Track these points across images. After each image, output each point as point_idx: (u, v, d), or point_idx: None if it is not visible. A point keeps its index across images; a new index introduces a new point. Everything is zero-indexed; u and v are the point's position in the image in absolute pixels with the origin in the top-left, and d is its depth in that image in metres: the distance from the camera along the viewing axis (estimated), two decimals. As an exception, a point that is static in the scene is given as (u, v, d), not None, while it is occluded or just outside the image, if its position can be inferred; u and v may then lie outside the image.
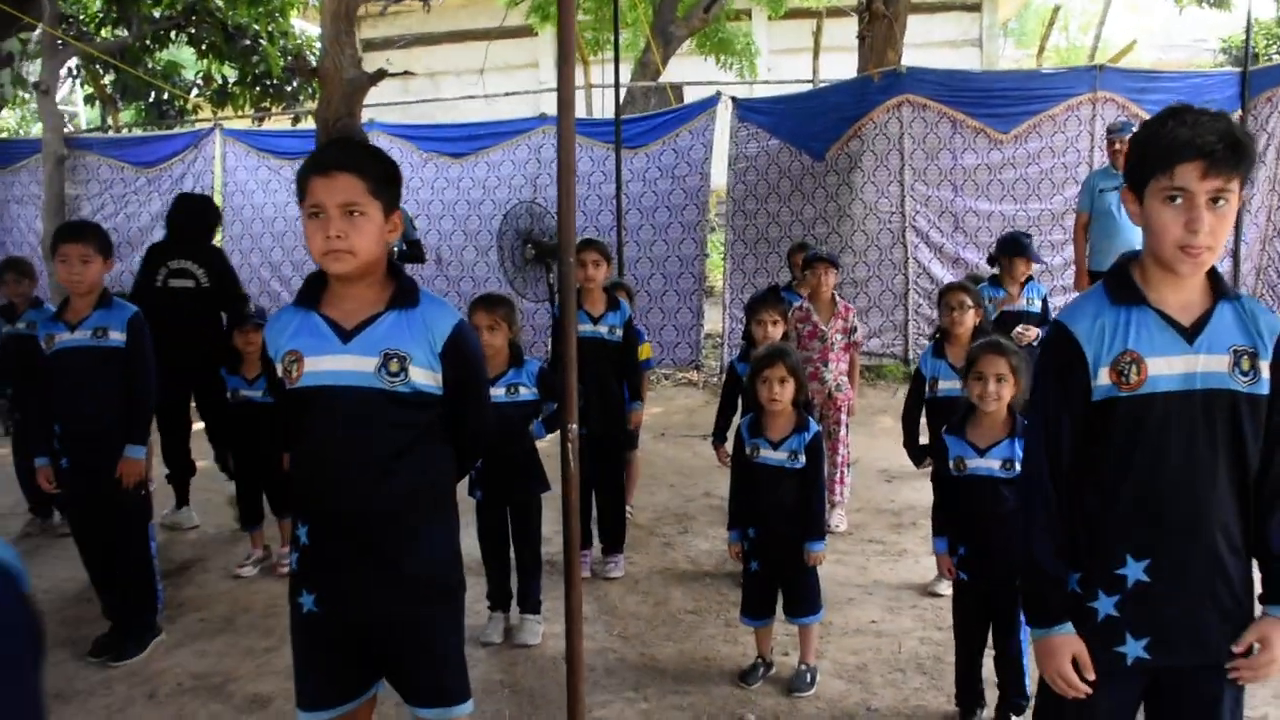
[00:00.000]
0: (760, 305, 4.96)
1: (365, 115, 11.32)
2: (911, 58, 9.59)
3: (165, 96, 13.38)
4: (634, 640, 4.47)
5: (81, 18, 12.64)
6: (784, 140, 9.19)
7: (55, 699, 3.92)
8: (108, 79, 13.14)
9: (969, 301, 4.75)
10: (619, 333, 5.20)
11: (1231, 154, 1.96)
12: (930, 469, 3.87)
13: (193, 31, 12.36)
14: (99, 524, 4.37)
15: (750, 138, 9.31)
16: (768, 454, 3.87)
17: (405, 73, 9.20)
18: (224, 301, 6.04)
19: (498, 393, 4.34)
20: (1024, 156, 8.84)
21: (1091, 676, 2.11)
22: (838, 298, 5.78)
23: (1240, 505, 2.07)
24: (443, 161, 10.43)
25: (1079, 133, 8.74)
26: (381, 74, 8.61)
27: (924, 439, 4.73)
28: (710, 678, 4.09)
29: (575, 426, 2.88)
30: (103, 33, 12.45)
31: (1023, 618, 3.50)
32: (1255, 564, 2.13)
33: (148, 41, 12.31)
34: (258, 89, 13.02)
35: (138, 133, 13.00)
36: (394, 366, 2.39)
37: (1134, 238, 7.38)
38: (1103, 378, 2.08)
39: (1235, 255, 8.81)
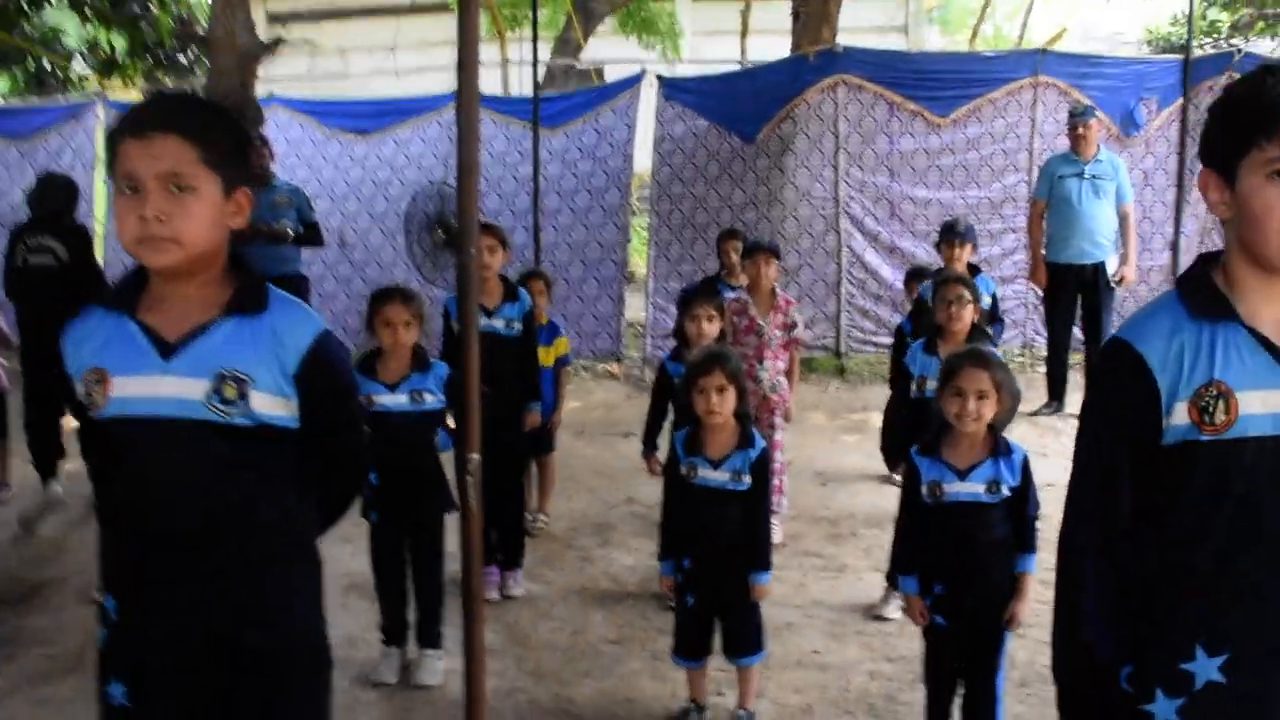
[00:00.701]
0: (695, 299, 4.44)
1: (265, 89, 10.60)
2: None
3: (47, 64, 12.42)
4: (548, 678, 3.96)
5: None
6: (712, 121, 8.70)
7: None
8: (-21, 43, 12.17)
9: (967, 295, 4.28)
10: (517, 326, 4.69)
11: None
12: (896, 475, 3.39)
13: (75, -8, 11.49)
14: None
15: (676, 118, 8.80)
16: (707, 474, 3.35)
17: (306, 42, 8.57)
18: (81, 281, 5.54)
19: (400, 400, 3.89)
20: (963, 142, 8.47)
21: None
22: (778, 290, 5.32)
23: None
24: (348, 139, 9.73)
25: (1019, 118, 8.40)
26: (279, 43, 7.97)
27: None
28: (635, 724, 3.59)
29: (476, 456, 2.36)
30: (-27, -8, 11.50)
31: (1003, 656, 3.12)
32: None
33: (24, 3, 11.35)
34: (149, 59, 12.16)
35: (16, 103, 12.05)
36: (230, 392, 1.83)
37: (1096, 226, 7.08)
38: (1179, 415, 1.60)
39: (1174, 248, 8.56)
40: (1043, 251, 7.29)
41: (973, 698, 3.14)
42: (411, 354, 3.95)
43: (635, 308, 9.31)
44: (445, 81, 10.68)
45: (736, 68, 11.17)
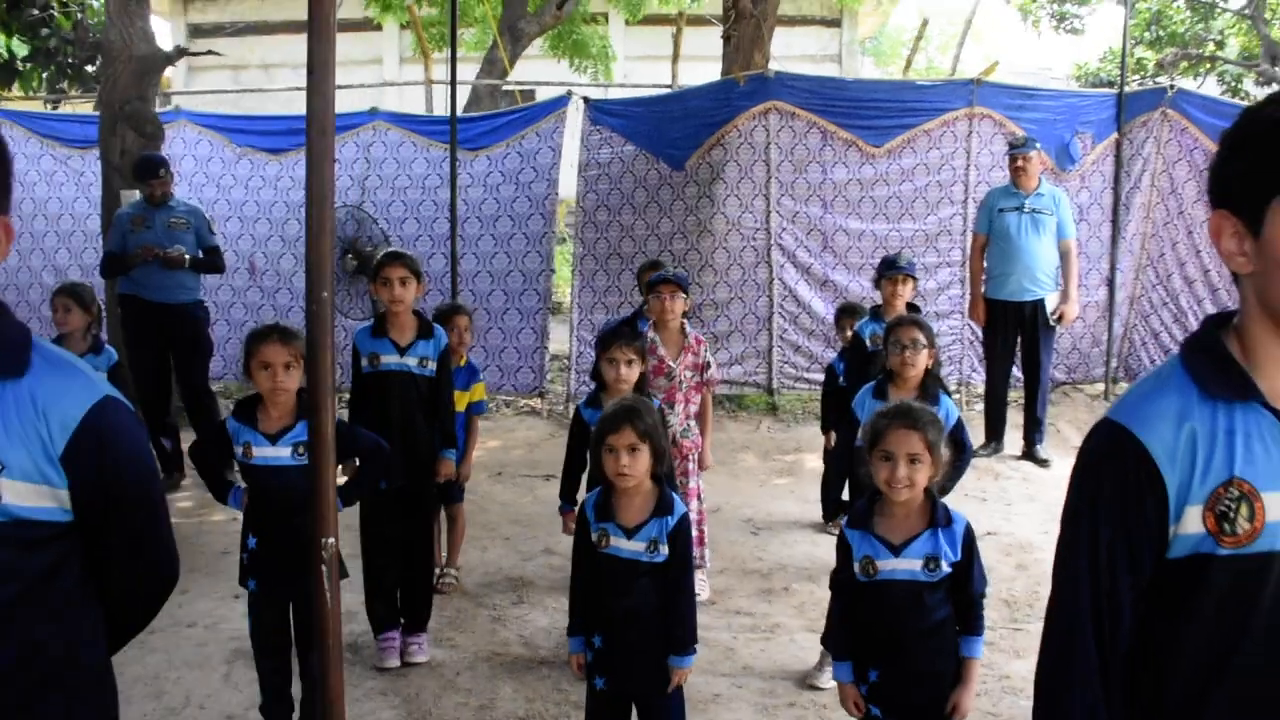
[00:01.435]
0: (612, 340, 4.01)
1: (172, 101, 10.05)
2: (770, 71, 8.89)
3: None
4: (449, 764, 3.55)
5: None
6: (640, 146, 8.32)
7: None
8: None
9: (922, 340, 3.98)
10: (431, 365, 4.28)
11: None
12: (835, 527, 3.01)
13: (-31, -4, 10.79)
14: None
15: (603, 143, 8.41)
16: (619, 543, 2.94)
17: (209, 52, 8.04)
18: None
19: (282, 453, 3.48)
20: (897, 173, 8.20)
21: None
22: (688, 328, 4.93)
23: None
24: (259, 158, 9.21)
25: (955, 149, 8.16)
26: (181, 52, 7.49)
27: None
28: (542, 824, 3.19)
29: (333, 540, 1.94)
30: None
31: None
32: None
33: (-87, 5, 10.67)
34: (52, 67, 11.50)
35: (-94, 113, 11.30)
36: None
37: (1035, 262, 6.78)
38: (1191, 522, 1.27)
39: (1110, 285, 8.39)
40: (981, 289, 7.05)
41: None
42: (295, 400, 3.53)
43: (560, 340, 8.89)
44: (364, 99, 10.32)
45: (667, 92, 10.86)
